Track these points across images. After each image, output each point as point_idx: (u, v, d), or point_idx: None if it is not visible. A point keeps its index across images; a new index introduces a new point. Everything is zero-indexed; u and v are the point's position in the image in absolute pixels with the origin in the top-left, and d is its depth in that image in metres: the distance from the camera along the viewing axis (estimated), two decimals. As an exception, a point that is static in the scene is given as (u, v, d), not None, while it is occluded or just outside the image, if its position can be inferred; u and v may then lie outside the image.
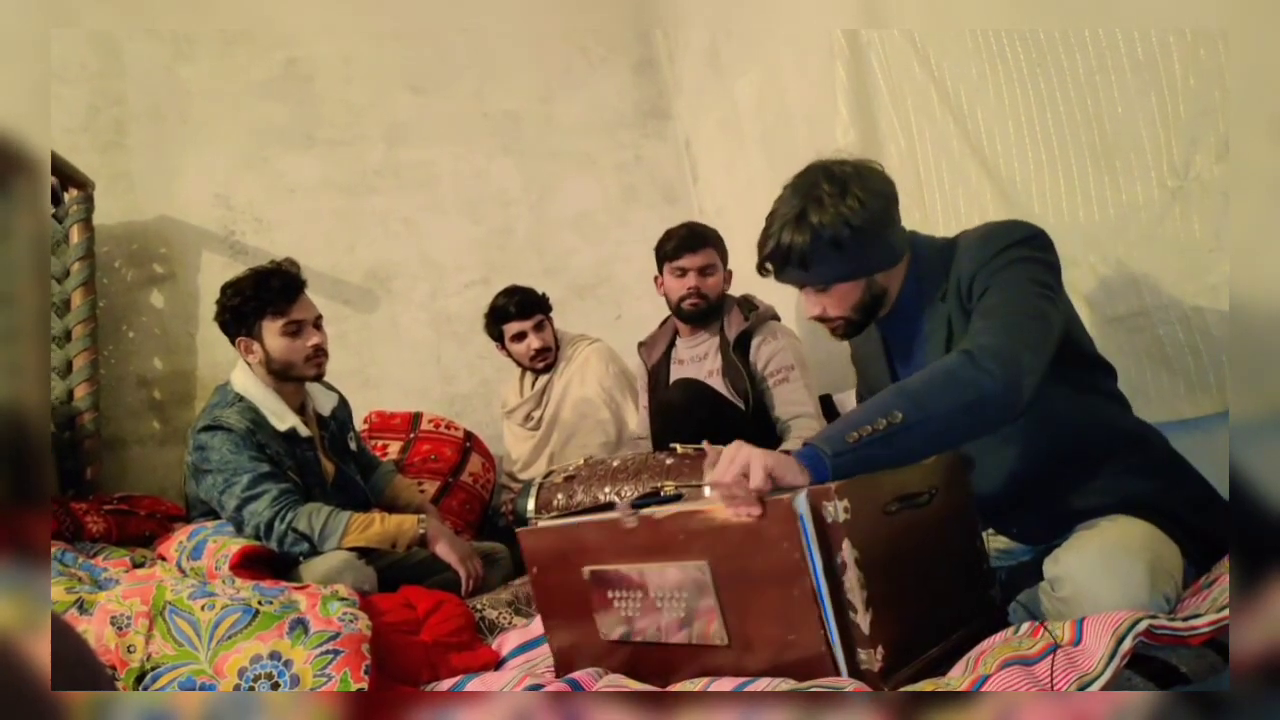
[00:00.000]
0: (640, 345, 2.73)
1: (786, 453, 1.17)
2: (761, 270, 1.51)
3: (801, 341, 2.54)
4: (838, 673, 1.09)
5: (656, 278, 2.60)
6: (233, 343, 2.13)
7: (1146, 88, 1.62)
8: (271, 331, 2.10)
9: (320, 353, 2.15)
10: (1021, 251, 1.36)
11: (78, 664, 0.79)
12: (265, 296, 2.09)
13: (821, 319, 1.52)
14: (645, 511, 1.23)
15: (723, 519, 1.14)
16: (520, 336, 2.84)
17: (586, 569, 1.31)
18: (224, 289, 2.14)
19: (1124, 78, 1.66)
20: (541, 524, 1.42)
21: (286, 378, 2.13)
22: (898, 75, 2.24)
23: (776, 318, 2.55)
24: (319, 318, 2.19)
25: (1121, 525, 1.28)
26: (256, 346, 2.10)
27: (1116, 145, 1.71)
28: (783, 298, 2.76)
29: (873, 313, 1.50)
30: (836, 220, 1.39)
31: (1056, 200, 1.84)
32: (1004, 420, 1.27)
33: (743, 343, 2.45)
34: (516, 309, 2.82)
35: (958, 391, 1.21)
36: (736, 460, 1.12)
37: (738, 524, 1.12)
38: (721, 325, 2.51)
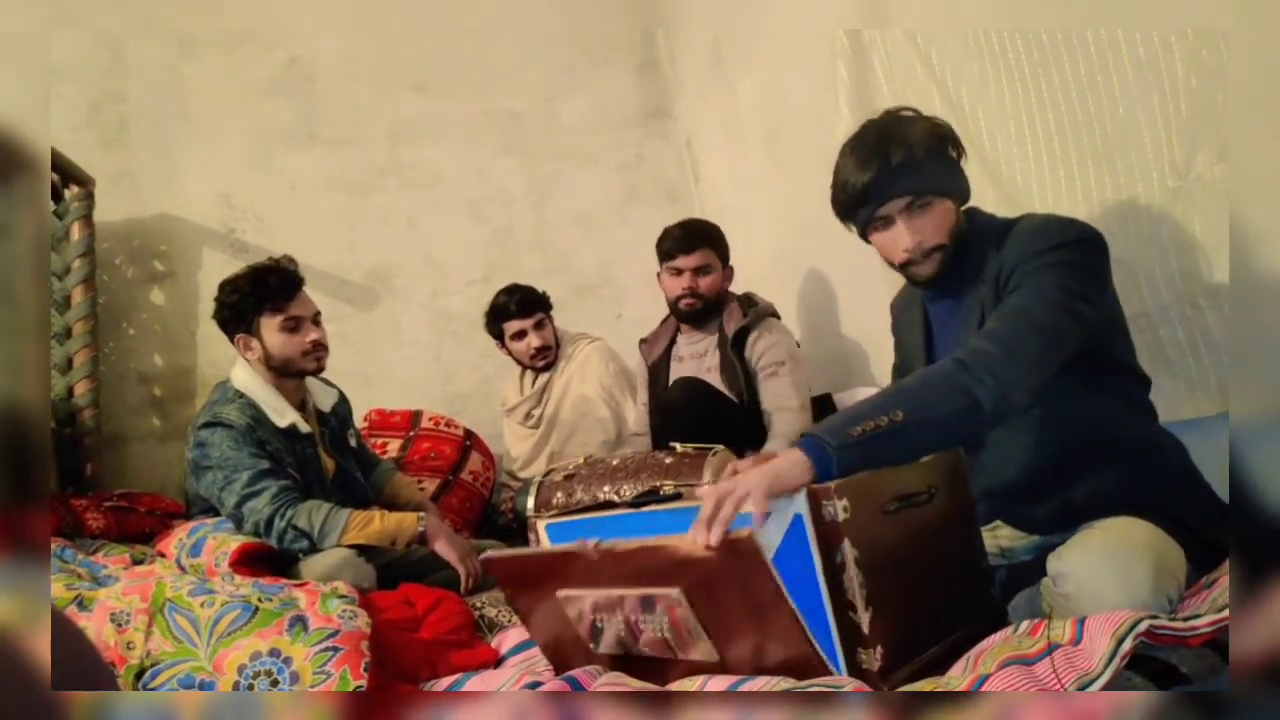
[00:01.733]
0: (642, 342, 2.73)
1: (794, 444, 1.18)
2: (853, 214, 1.48)
3: (798, 339, 2.54)
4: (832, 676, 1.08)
5: (658, 274, 2.60)
6: (231, 340, 2.14)
7: (1148, 88, 1.62)
8: (270, 328, 2.10)
9: (319, 348, 2.16)
10: (1064, 255, 1.34)
11: (78, 660, 0.79)
12: (263, 293, 2.09)
13: (920, 250, 1.45)
14: (606, 543, 1.19)
15: (685, 554, 1.09)
16: (520, 335, 2.85)
17: (560, 593, 1.28)
18: (222, 286, 2.14)
19: (1125, 78, 1.66)
20: (505, 553, 1.37)
21: (286, 374, 2.14)
22: (900, 75, 2.23)
23: (776, 315, 2.55)
24: (317, 314, 2.19)
25: (1127, 525, 1.28)
26: (255, 343, 2.10)
27: (1118, 145, 1.71)
28: (785, 298, 2.76)
29: (963, 246, 1.47)
30: (926, 133, 1.43)
31: (1058, 200, 1.84)
32: (992, 427, 1.32)
33: (740, 339, 2.45)
34: (517, 307, 2.83)
35: (951, 397, 1.22)
36: (730, 498, 1.09)
37: (701, 557, 1.08)
38: (721, 322, 2.52)
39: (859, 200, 1.45)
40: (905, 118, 1.46)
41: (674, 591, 1.13)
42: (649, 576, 1.16)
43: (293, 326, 2.11)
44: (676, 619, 1.16)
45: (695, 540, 1.07)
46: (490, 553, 1.39)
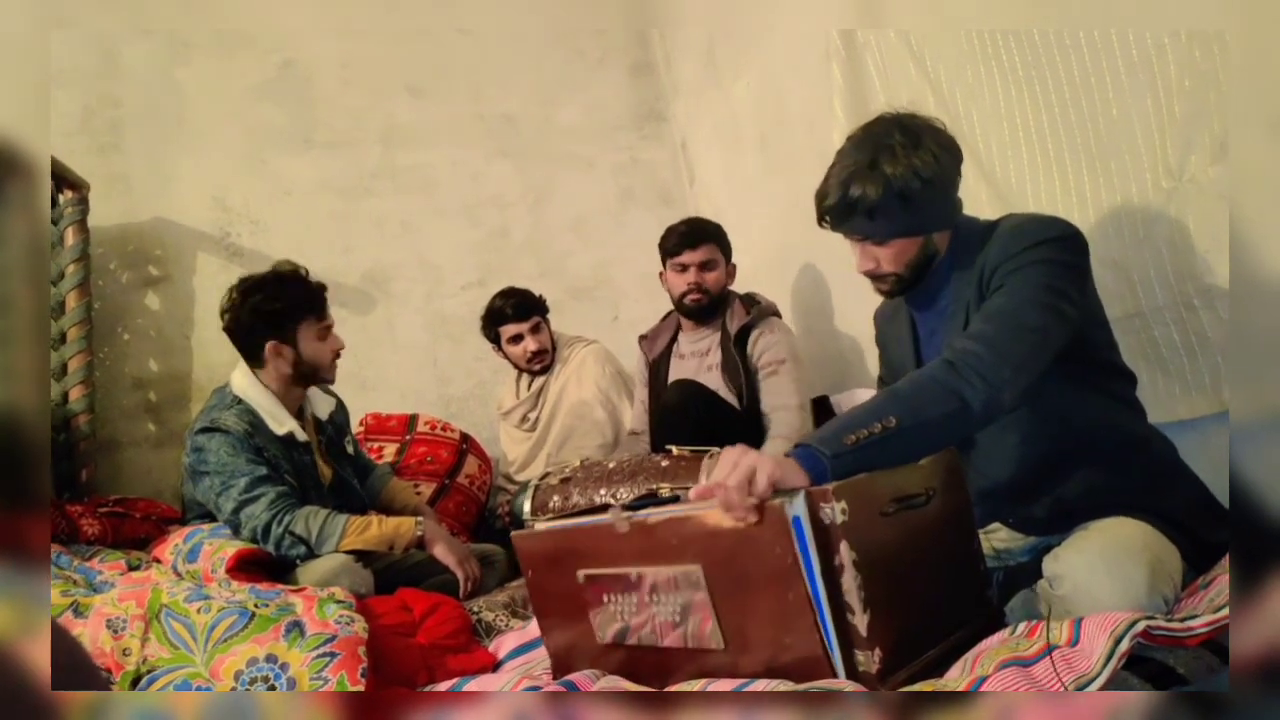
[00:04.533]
0: (641, 338, 2.74)
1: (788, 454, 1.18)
2: (821, 222, 1.50)
3: (798, 338, 2.55)
4: (834, 675, 1.09)
5: (660, 273, 2.61)
6: (255, 348, 2.08)
7: (1142, 89, 1.62)
8: (308, 335, 2.11)
9: (338, 355, 2.19)
10: (1045, 252, 1.35)
11: (73, 669, 0.79)
12: (308, 299, 2.11)
13: (874, 274, 1.51)
14: (638, 516, 1.22)
15: (714, 524, 1.13)
16: (517, 339, 2.84)
17: (581, 572, 1.31)
18: (253, 290, 2.08)
19: (1119, 79, 1.67)
20: (536, 527, 1.42)
21: (308, 381, 2.14)
22: (894, 77, 2.24)
23: (778, 314, 2.56)
24: (333, 322, 2.22)
25: (1123, 526, 1.29)
26: (287, 350, 2.09)
27: (1112, 146, 1.71)
28: (780, 300, 2.77)
29: (923, 272, 1.49)
30: (909, 172, 1.38)
31: (1052, 201, 1.84)
32: (981, 428, 1.32)
33: (743, 337, 2.46)
34: (513, 311, 2.82)
35: (942, 400, 1.23)
36: (740, 465, 1.10)
37: (730, 529, 1.11)
38: (724, 320, 2.52)
39: (821, 217, 1.49)
40: (900, 146, 1.41)
41: (694, 568, 1.16)
42: (672, 552, 1.18)
43: (326, 334, 2.15)
44: (692, 599, 1.17)
45: (736, 519, 1.09)
46: (518, 531, 1.41)
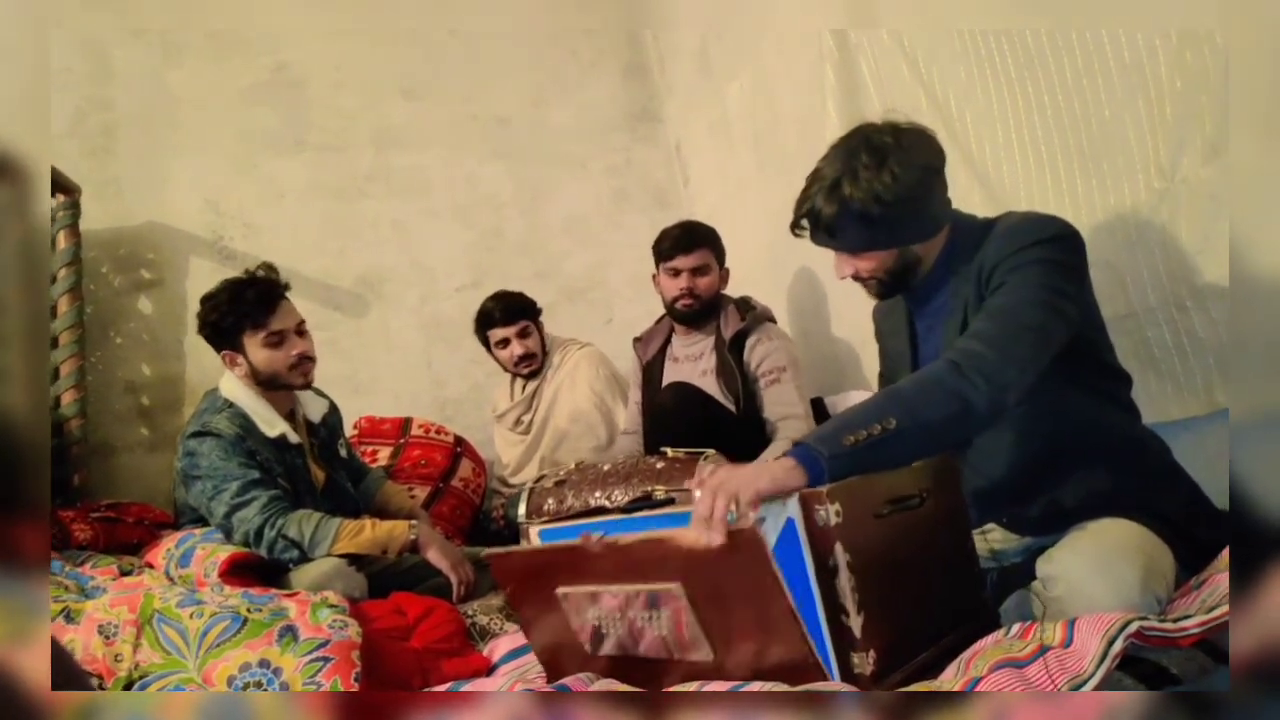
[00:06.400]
0: (636, 340, 2.73)
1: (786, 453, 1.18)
2: (795, 231, 1.50)
3: (796, 344, 2.55)
4: (825, 680, 1.08)
5: (654, 275, 2.61)
6: (218, 354, 2.11)
7: (1134, 90, 1.63)
8: (253, 345, 2.05)
9: (305, 360, 2.11)
10: (1043, 252, 1.35)
11: (62, 677, 0.79)
12: (243, 310, 2.04)
13: (855, 279, 1.52)
14: (610, 538, 1.19)
15: (689, 545, 1.10)
16: (504, 343, 2.84)
17: (560, 589, 1.27)
18: (202, 302, 2.09)
19: (1111, 80, 1.67)
20: (507, 550, 1.38)
21: (275, 386, 2.11)
22: (886, 78, 2.24)
23: (773, 320, 2.56)
24: (301, 323, 2.14)
25: (1116, 527, 1.29)
26: (241, 359, 2.07)
27: (1104, 147, 1.72)
28: (774, 301, 2.77)
29: (907, 277, 1.49)
30: (867, 195, 1.38)
31: (1044, 202, 1.85)
32: (983, 429, 1.33)
33: (738, 342, 2.45)
34: (501, 315, 2.82)
35: (945, 402, 1.22)
36: (721, 491, 1.09)
37: (704, 550, 1.08)
38: (718, 324, 2.52)
39: (792, 226, 1.50)
40: (863, 168, 1.39)
41: (674, 586, 1.14)
42: (649, 571, 1.16)
43: (276, 341, 2.06)
44: (677, 617, 1.16)
45: (698, 539, 1.07)
46: (493, 550, 1.38)
